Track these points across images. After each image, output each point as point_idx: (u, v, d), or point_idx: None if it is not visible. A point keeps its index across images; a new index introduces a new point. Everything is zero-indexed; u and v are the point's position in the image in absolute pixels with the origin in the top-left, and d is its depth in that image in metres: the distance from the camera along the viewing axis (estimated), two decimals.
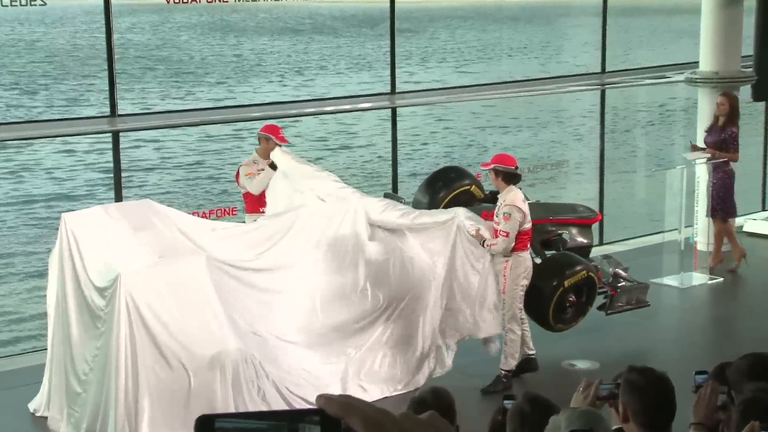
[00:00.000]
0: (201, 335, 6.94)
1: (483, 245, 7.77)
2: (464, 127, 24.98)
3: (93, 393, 6.89)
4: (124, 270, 6.77)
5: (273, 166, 8.45)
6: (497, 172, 7.81)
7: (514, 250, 7.82)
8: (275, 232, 7.61)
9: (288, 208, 7.92)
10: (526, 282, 7.92)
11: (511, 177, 7.82)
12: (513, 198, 7.76)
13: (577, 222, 9.16)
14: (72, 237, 7.14)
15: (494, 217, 7.88)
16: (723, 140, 10.73)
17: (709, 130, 10.94)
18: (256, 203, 8.61)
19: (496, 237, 7.75)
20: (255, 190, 8.58)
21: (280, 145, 8.54)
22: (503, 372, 7.99)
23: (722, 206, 10.80)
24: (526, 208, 7.82)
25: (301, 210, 7.78)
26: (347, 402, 1.35)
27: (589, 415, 3.40)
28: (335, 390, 7.19)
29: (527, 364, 8.17)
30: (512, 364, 7.96)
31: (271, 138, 8.62)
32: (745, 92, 11.81)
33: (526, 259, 7.92)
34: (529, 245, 7.98)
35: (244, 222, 8.50)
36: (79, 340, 7.03)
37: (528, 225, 7.84)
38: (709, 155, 10.69)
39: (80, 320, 7.06)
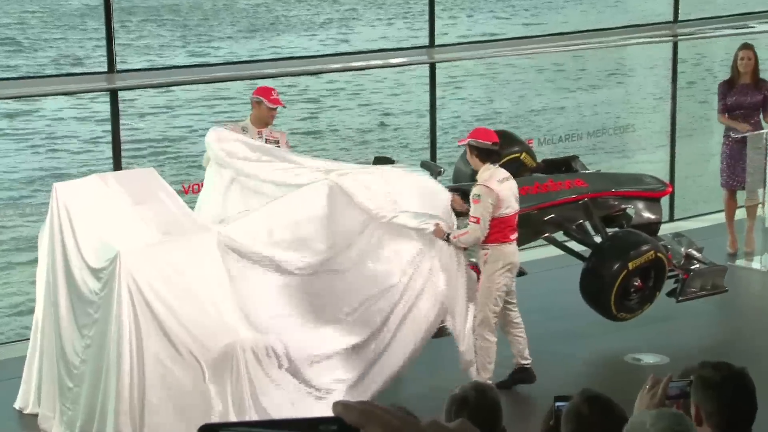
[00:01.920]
0: (213, 322, 6.97)
1: (448, 240, 7.44)
2: (511, 86, 24.87)
3: (87, 388, 6.93)
4: (124, 248, 6.77)
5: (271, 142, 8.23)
6: (472, 148, 7.62)
7: (491, 240, 7.56)
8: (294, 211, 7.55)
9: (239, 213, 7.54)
10: (506, 280, 7.66)
11: (488, 154, 7.61)
12: (487, 177, 7.55)
13: (643, 195, 9.11)
14: (64, 210, 7.16)
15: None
16: (764, 99, 10.80)
17: (735, 90, 10.86)
18: None
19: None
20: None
21: (272, 109, 8.37)
22: (521, 366, 7.92)
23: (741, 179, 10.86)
24: (504, 189, 7.56)
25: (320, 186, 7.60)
26: (367, 409, 1.37)
27: (677, 418, 3.36)
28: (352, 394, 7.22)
29: (522, 374, 7.93)
30: (486, 377, 7.60)
31: (262, 101, 8.39)
32: None
33: (507, 253, 7.64)
34: (512, 236, 7.68)
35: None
36: (69, 329, 7.06)
37: (508, 210, 7.59)
38: (749, 128, 10.75)
39: (69, 306, 7.09)
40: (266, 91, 8.48)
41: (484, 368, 7.70)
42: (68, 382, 7.10)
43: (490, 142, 7.63)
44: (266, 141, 8.30)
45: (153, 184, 7.51)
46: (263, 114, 8.39)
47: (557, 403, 3.87)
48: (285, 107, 8.72)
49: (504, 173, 7.70)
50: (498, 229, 7.58)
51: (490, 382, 7.34)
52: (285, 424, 1.41)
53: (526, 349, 7.92)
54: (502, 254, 7.62)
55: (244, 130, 8.31)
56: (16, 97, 14.07)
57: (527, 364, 7.93)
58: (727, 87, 10.95)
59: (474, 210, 7.49)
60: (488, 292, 7.65)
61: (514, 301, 7.89)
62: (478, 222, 7.47)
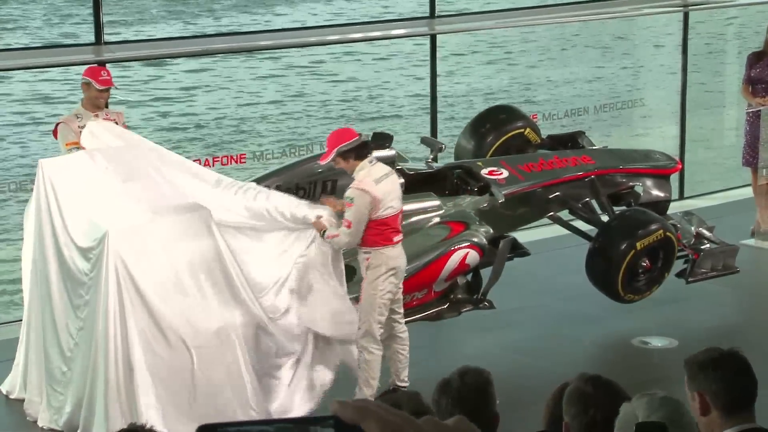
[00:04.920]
0: (204, 306, 7.00)
1: (323, 237, 7.20)
2: (515, 58, 24.84)
3: (78, 372, 6.97)
4: (113, 227, 6.79)
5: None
6: (345, 155, 7.16)
7: (371, 243, 7.20)
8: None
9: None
10: (391, 287, 7.24)
11: (360, 149, 7.20)
12: (361, 177, 7.13)
13: (652, 172, 9.12)
14: (51, 187, 7.17)
15: None
16: None
17: (761, 63, 10.87)
18: None
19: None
20: None
21: (103, 90, 8.02)
22: (396, 385, 7.40)
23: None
24: (382, 188, 7.14)
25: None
26: (364, 407, 1.44)
27: (672, 402, 3.40)
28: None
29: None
30: (368, 393, 7.25)
31: (91, 83, 8.01)
32: None
33: (390, 257, 7.23)
34: (396, 239, 7.27)
35: None
36: (62, 310, 7.10)
37: (388, 211, 7.18)
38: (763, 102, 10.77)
39: (62, 287, 7.12)
40: (95, 72, 8.18)
41: (366, 384, 7.28)
42: (62, 366, 7.13)
43: (355, 138, 7.19)
44: None
45: (142, 160, 7.51)
46: (94, 96, 8.02)
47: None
48: (116, 88, 8.35)
49: (382, 170, 7.26)
50: (378, 232, 7.19)
51: (371, 394, 7.20)
52: (282, 422, 1.46)
53: (406, 369, 7.43)
54: (384, 258, 7.20)
55: (78, 117, 7.98)
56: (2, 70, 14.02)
57: (404, 387, 7.34)
58: (755, 59, 10.95)
59: (347, 213, 7.11)
60: (371, 300, 7.22)
61: (401, 311, 7.46)
62: (349, 227, 7.09)
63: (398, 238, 7.30)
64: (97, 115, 8.02)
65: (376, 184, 7.13)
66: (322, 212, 7.23)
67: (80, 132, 7.82)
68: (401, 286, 7.37)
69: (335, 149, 7.15)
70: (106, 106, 8.19)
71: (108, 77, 8.09)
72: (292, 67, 22.59)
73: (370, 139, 7.75)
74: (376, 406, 1.44)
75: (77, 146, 7.76)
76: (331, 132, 7.44)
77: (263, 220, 7.31)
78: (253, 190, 7.47)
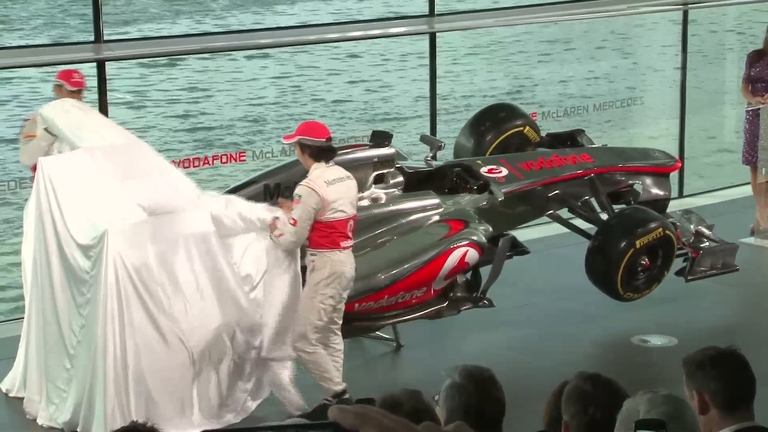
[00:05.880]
0: (203, 305, 7.04)
1: (271, 237, 7.14)
2: (514, 57, 24.84)
3: (80, 370, 7.00)
4: (112, 226, 6.82)
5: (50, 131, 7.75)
6: (302, 147, 7.11)
7: (317, 246, 7.07)
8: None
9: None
10: (333, 292, 7.07)
11: (321, 152, 7.12)
12: (314, 176, 7.03)
13: (651, 170, 9.13)
14: (50, 185, 7.19)
15: None
16: None
17: (761, 62, 10.88)
18: None
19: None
20: (26, 159, 7.93)
21: (75, 92, 8.03)
22: (327, 400, 7.15)
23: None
24: (333, 191, 7.02)
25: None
26: (363, 413, 1.45)
27: (674, 400, 3.42)
28: None
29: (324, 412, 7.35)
30: (335, 389, 7.13)
31: (63, 84, 8.06)
32: None
33: (335, 261, 7.06)
34: (344, 244, 7.11)
35: None
36: (66, 308, 7.11)
37: (336, 215, 7.05)
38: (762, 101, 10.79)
39: (65, 284, 7.13)
40: (67, 74, 8.18)
41: (323, 380, 7.14)
42: (66, 363, 7.14)
43: (323, 139, 7.12)
44: None
45: (141, 158, 7.52)
46: (66, 98, 8.01)
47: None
48: (88, 90, 8.33)
49: (338, 173, 7.17)
50: (324, 234, 7.06)
51: (338, 388, 7.09)
52: (279, 429, 1.48)
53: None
54: (329, 262, 7.03)
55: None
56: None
57: (334, 392, 7.19)
58: (755, 57, 10.96)
59: (293, 212, 7.01)
60: (311, 304, 7.06)
61: (339, 322, 7.24)
62: (294, 224, 6.99)
63: (346, 243, 7.13)
64: None
65: (327, 185, 7.02)
66: (279, 214, 7.18)
67: (45, 133, 7.74)
68: (345, 295, 7.18)
69: (298, 137, 7.12)
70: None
71: (81, 79, 8.12)
72: (311, 68, 22.62)
73: (370, 139, 7.71)
74: (375, 412, 1.46)
75: (33, 138, 7.79)
76: (306, 121, 7.43)
77: (223, 227, 7.22)
78: (214, 198, 7.41)
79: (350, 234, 7.18)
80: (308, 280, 7.12)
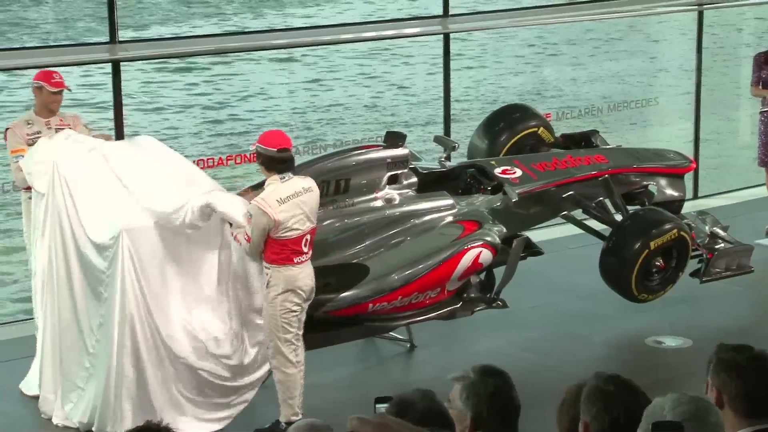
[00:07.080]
0: (215, 305, 7.09)
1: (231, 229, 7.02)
2: (528, 57, 24.82)
3: (99, 369, 7.03)
4: (127, 227, 6.86)
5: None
6: (257, 155, 6.91)
7: (270, 261, 6.88)
8: None
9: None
10: (291, 305, 6.90)
11: (272, 162, 6.82)
12: (266, 194, 6.78)
13: (666, 171, 9.11)
14: (65, 186, 7.21)
15: None
16: None
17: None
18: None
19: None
20: (19, 184, 7.80)
21: (55, 93, 7.88)
22: (283, 425, 7.07)
23: None
24: (287, 210, 6.77)
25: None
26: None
27: (699, 402, 3.40)
28: None
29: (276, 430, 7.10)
30: (290, 414, 7.00)
31: (43, 86, 7.88)
32: None
33: (289, 277, 6.86)
34: (298, 259, 6.90)
35: None
36: (85, 307, 7.15)
37: (289, 234, 6.82)
38: None
39: (84, 284, 7.16)
40: (47, 75, 7.97)
41: (285, 404, 7.01)
42: (85, 362, 7.17)
43: (275, 149, 6.83)
44: (56, 131, 7.76)
45: (150, 155, 7.53)
46: (46, 100, 7.89)
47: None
48: (69, 90, 8.13)
49: (294, 187, 6.86)
50: (276, 251, 6.86)
51: (295, 418, 6.80)
52: None
53: (300, 397, 7.06)
54: (282, 278, 6.85)
55: (28, 123, 7.87)
56: (11, 69, 14.04)
57: (289, 420, 7.01)
58: (764, 59, 10.93)
59: (247, 228, 6.83)
60: (273, 320, 6.91)
61: (300, 332, 7.03)
62: (248, 241, 6.84)
63: (301, 258, 6.89)
64: (49, 122, 7.90)
65: (279, 204, 6.74)
66: (240, 203, 7.00)
67: (29, 139, 7.71)
68: (305, 306, 7.02)
69: (256, 145, 6.93)
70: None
71: (60, 80, 7.94)
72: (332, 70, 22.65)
73: (384, 139, 7.72)
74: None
75: (22, 154, 7.65)
76: (269, 130, 7.20)
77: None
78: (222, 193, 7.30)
79: (305, 249, 6.94)
80: (265, 294, 6.97)
